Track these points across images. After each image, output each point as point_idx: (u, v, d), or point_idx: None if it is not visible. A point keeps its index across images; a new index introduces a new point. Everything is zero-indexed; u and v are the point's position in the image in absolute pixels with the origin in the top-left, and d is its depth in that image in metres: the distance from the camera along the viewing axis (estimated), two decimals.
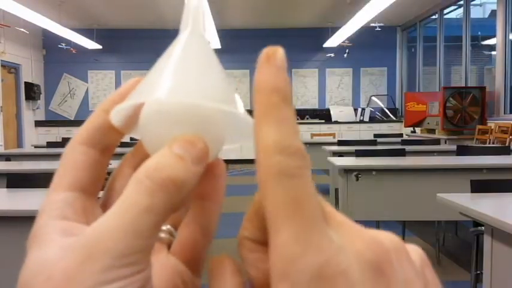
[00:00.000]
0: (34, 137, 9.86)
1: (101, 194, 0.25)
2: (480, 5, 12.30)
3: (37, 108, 10.11)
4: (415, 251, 0.20)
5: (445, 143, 6.40)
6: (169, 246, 0.25)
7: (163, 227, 0.25)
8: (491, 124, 6.56)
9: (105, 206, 0.24)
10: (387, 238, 0.19)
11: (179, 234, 0.25)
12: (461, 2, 8.01)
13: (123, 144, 0.25)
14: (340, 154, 4.37)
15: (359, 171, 3.25)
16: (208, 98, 0.21)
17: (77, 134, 0.23)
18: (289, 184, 0.17)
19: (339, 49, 10.04)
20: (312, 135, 8.34)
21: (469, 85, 7.65)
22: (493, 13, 8.93)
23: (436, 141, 5.46)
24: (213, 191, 0.25)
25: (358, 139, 6.58)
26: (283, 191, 0.17)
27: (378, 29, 7.54)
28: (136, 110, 0.23)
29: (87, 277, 0.17)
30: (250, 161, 10.24)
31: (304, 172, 0.18)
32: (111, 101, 0.23)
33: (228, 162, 9.48)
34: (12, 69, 9.27)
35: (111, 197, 0.24)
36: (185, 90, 0.21)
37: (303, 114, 10.64)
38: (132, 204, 0.18)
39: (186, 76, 0.21)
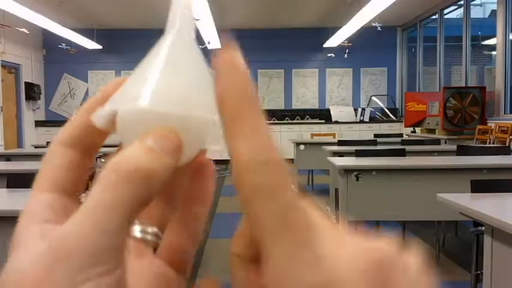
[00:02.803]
0: (34, 137, 9.86)
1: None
2: (480, 5, 12.31)
3: (37, 108, 10.11)
4: (412, 259, 0.19)
5: (445, 143, 6.40)
6: (155, 249, 0.24)
7: (149, 229, 0.24)
8: (491, 124, 6.56)
9: None
10: (382, 248, 0.18)
11: (165, 237, 0.25)
12: (461, 2, 8.01)
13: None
14: (340, 154, 4.37)
15: (359, 171, 3.25)
16: (189, 104, 0.21)
17: (58, 134, 0.23)
18: (273, 202, 0.17)
19: (339, 49, 10.04)
20: (312, 135, 8.33)
21: (469, 85, 7.65)
22: (493, 13, 8.94)
23: (436, 141, 5.47)
24: (201, 193, 0.24)
25: (358, 139, 6.58)
26: (267, 210, 0.17)
27: (378, 29, 7.53)
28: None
29: (55, 281, 0.17)
30: None
31: (285, 185, 0.17)
32: (94, 102, 0.23)
33: (227, 162, 9.48)
34: (12, 69, 9.27)
35: None
36: (165, 98, 0.20)
37: (303, 114, 10.64)
38: (96, 202, 0.18)
39: (167, 81, 0.21)
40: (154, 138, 0.19)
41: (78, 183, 0.23)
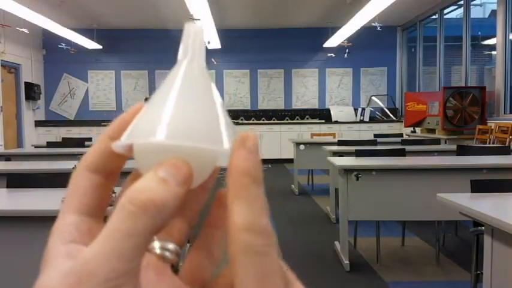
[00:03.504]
0: (34, 137, 9.86)
1: None
2: (480, 5, 12.30)
3: (37, 108, 10.10)
4: None
5: (445, 143, 6.40)
6: (173, 265, 0.26)
7: (170, 246, 0.26)
8: (491, 124, 6.56)
9: None
10: None
11: (187, 258, 0.27)
12: (461, 2, 8.01)
13: None
14: (340, 154, 4.37)
15: (359, 171, 3.25)
16: (198, 135, 0.22)
17: (82, 160, 0.25)
18: (255, 260, 0.19)
19: (339, 49, 10.04)
20: (312, 135, 8.33)
21: (469, 85, 7.65)
22: (493, 13, 8.94)
23: (436, 141, 5.46)
24: (220, 219, 0.27)
25: (358, 139, 6.58)
26: (249, 266, 0.19)
27: (378, 29, 7.53)
28: None
29: None
30: None
31: (269, 249, 0.20)
32: (115, 127, 0.25)
33: None
34: (12, 69, 9.26)
35: None
36: (176, 131, 0.22)
37: (303, 114, 10.64)
38: (115, 230, 0.20)
39: (179, 114, 0.23)
40: (166, 168, 0.21)
41: (102, 206, 0.25)
